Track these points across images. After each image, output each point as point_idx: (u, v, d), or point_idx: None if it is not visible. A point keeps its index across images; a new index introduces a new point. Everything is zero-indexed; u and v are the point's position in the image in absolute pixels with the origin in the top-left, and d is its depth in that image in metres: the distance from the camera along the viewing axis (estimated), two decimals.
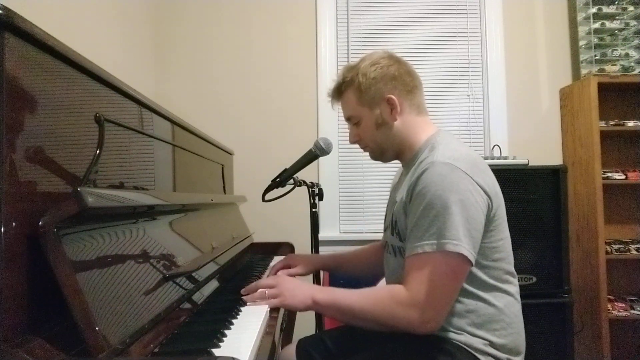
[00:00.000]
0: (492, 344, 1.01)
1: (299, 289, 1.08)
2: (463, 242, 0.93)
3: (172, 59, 2.56)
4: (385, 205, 1.30)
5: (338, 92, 1.19)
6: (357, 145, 1.23)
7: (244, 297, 1.11)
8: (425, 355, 0.99)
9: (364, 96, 1.13)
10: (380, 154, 1.20)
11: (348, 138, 1.23)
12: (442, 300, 0.95)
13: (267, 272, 1.49)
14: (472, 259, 0.95)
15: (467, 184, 0.97)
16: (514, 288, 1.07)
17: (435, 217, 0.95)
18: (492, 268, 1.03)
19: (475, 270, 1.00)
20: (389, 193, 1.30)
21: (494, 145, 2.43)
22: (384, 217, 1.29)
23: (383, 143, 1.16)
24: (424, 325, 0.95)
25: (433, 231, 0.95)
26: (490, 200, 1.00)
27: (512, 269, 1.08)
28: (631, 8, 2.37)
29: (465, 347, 1.00)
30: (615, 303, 2.27)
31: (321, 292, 1.06)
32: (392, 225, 1.13)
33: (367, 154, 1.23)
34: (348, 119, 1.20)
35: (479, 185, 0.98)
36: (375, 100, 1.12)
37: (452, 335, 1.01)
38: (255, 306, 1.08)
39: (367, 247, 1.47)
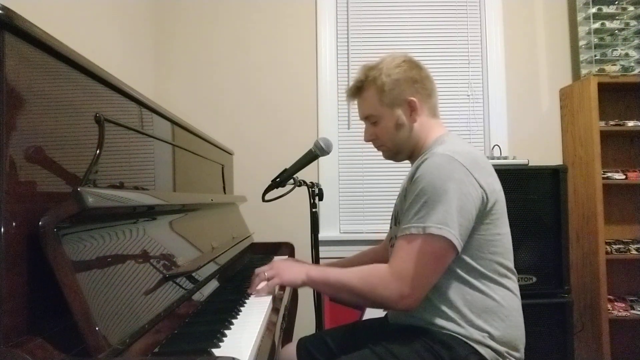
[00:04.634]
0: (490, 336, 1.02)
1: (294, 266, 1.17)
2: (449, 227, 0.97)
3: (172, 59, 2.56)
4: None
5: (358, 90, 1.21)
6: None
7: (248, 290, 1.19)
8: (424, 349, 1.01)
9: (386, 96, 1.15)
10: (395, 154, 1.22)
11: (363, 136, 1.24)
12: (420, 279, 0.99)
13: None
14: (458, 245, 0.98)
15: (462, 175, 1.00)
16: (512, 284, 1.09)
17: (425, 203, 0.99)
18: (488, 261, 1.05)
19: (470, 261, 1.04)
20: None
21: (494, 145, 2.43)
22: (389, 217, 1.30)
23: (400, 144, 1.19)
24: (401, 301, 0.99)
25: (421, 215, 0.99)
26: (486, 194, 1.03)
27: (510, 265, 1.09)
28: (631, 8, 2.37)
29: (464, 339, 1.01)
30: (615, 303, 2.27)
31: (314, 269, 1.15)
32: (395, 216, 1.17)
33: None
34: (366, 117, 1.21)
35: (474, 178, 1.01)
36: (396, 101, 1.15)
37: (450, 326, 1.03)
38: (255, 306, 1.08)
39: (361, 253, 1.48)
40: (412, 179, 1.06)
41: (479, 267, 1.04)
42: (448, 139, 1.13)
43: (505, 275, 1.07)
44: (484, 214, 1.03)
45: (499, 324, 1.03)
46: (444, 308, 1.03)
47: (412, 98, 1.14)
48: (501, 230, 1.07)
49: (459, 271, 1.03)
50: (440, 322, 1.04)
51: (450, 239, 0.97)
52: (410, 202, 1.02)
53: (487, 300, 1.03)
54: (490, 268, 1.05)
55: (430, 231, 0.97)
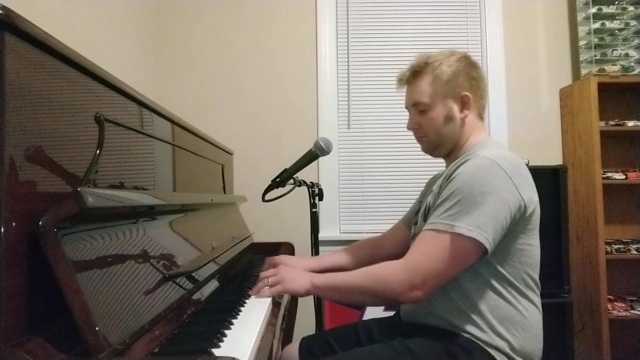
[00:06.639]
0: (510, 345, 1.00)
1: (298, 275, 1.16)
2: (482, 230, 0.94)
3: (173, 59, 2.56)
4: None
5: (413, 75, 1.17)
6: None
7: (249, 292, 1.18)
8: (444, 351, 1.00)
9: (442, 86, 1.13)
10: (435, 147, 1.19)
11: (406, 124, 1.21)
12: (434, 273, 0.97)
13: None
14: (489, 248, 0.96)
15: (502, 180, 0.98)
16: (536, 298, 1.07)
17: (458, 202, 0.97)
18: (516, 270, 1.03)
19: (499, 267, 1.02)
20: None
21: None
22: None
23: (444, 137, 1.16)
24: (410, 292, 0.97)
25: (452, 213, 0.97)
26: (525, 203, 1.00)
27: (536, 277, 1.07)
28: (631, 8, 2.37)
29: (484, 346, 0.99)
30: (615, 303, 2.27)
31: (319, 277, 1.13)
32: (425, 213, 1.13)
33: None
34: (414, 104, 1.17)
35: (515, 186, 0.99)
36: (450, 94, 1.13)
37: (472, 329, 1.01)
38: (255, 306, 1.08)
39: (350, 247, 1.44)
40: (449, 177, 1.03)
41: (506, 274, 1.02)
42: (490, 143, 1.12)
43: (531, 287, 1.05)
44: (520, 222, 1.01)
45: (520, 333, 1.01)
46: (467, 310, 1.02)
47: (467, 93, 1.12)
48: (533, 241, 1.06)
49: (486, 276, 1.02)
50: (462, 324, 1.02)
51: (482, 242, 0.94)
52: (443, 198, 1.00)
53: (510, 309, 1.02)
54: (517, 277, 1.03)
55: (459, 231, 0.95)
